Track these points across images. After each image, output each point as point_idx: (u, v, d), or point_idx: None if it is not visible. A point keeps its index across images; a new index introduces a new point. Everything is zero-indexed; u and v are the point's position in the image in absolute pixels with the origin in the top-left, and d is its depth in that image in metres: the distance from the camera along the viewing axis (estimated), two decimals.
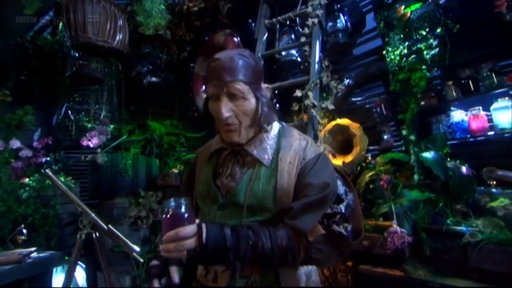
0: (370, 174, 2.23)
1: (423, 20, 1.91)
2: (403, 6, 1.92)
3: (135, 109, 3.41)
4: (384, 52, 2.14)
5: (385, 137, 2.70)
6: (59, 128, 3.14)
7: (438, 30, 1.92)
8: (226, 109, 0.85)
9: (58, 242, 2.62)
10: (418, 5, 1.86)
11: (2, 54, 2.70)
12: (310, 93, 1.54)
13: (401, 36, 1.99)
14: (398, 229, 1.95)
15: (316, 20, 1.76)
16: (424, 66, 2.19)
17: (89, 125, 3.26)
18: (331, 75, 1.68)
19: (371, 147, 2.92)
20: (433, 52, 2.27)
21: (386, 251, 1.99)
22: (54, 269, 2.54)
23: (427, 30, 1.93)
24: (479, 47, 2.08)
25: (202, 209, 0.96)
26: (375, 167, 2.26)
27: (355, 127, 2.53)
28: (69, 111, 3.24)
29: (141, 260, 2.34)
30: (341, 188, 0.93)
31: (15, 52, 2.79)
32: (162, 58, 2.78)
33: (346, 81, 2.79)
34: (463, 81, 2.17)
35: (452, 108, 2.38)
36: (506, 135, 2.04)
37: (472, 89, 2.16)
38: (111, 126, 3.32)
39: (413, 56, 2.24)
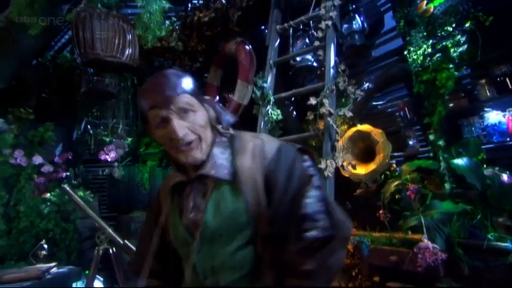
0: (396, 183, 2.06)
1: (449, 15, 1.74)
2: (425, 1, 1.77)
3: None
4: (406, 52, 1.99)
5: (411, 142, 2.51)
6: (78, 142, 3.21)
7: (467, 25, 1.74)
8: (180, 127, 0.76)
9: (78, 257, 2.64)
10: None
11: (25, 75, 2.80)
12: (325, 101, 1.43)
13: (424, 34, 1.83)
14: (430, 244, 1.77)
15: (329, 22, 1.65)
16: (451, 65, 2.01)
17: (108, 139, 3.30)
18: (348, 79, 1.56)
19: (395, 154, 2.73)
20: (461, 49, 2.09)
21: (417, 268, 1.81)
22: (75, 284, 2.55)
23: (453, 25, 1.76)
24: None
25: (183, 254, 0.86)
26: (400, 175, 2.08)
27: (377, 133, 2.37)
28: (89, 126, 3.31)
29: None
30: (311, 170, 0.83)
31: (37, 72, 2.89)
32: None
33: (366, 85, 2.64)
34: (498, 79, 1.98)
35: (486, 109, 2.17)
36: None
37: (510, 86, 1.95)
38: (129, 139, 3.35)
39: (438, 55, 2.07)
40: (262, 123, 1.70)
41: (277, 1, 2.04)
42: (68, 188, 2.35)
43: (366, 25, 2.18)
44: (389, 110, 2.71)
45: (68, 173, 2.86)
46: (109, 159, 3.05)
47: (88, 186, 2.96)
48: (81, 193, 2.73)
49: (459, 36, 2.09)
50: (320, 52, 1.67)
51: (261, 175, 0.79)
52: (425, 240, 1.80)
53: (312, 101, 1.47)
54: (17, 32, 1.40)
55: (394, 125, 2.66)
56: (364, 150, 2.53)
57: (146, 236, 0.94)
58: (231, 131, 0.90)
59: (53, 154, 3.11)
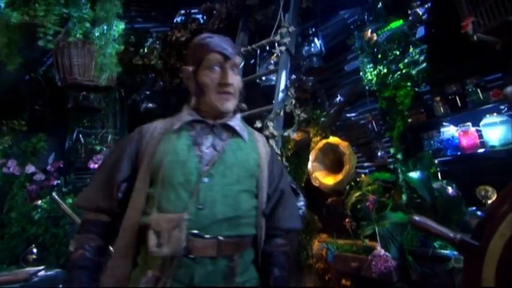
0: (357, 194, 2.20)
1: (392, 42, 1.89)
2: (369, 30, 1.92)
3: None
4: (361, 73, 2.14)
5: (379, 153, 2.65)
6: (70, 151, 3.39)
7: (410, 51, 1.89)
8: (231, 76, 0.91)
9: (67, 260, 2.81)
10: (389, 27, 1.85)
11: (19, 89, 2.98)
12: (270, 123, 1.57)
13: (373, 57, 1.98)
14: (382, 252, 1.91)
15: (283, 48, 1.80)
16: (409, 83, 2.16)
17: (98, 148, 3.48)
18: (295, 102, 1.70)
19: (366, 164, 2.88)
20: (420, 67, 2.23)
21: (373, 274, 1.95)
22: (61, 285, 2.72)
23: (400, 50, 1.91)
24: (464, 62, 2.03)
25: (180, 180, 0.86)
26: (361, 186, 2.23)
27: (344, 146, 2.51)
28: (80, 135, 3.49)
29: None
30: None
31: (30, 86, 3.08)
32: (156, 85, 2.97)
33: (338, 98, 2.79)
34: (450, 97, 2.11)
35: (444, 124, 2.31)
36: (497, 152, 1.95)
37: (460, 104, 2.09)
38: None
39: (399, 73, 2.22)
40: None
41: (244, 25, 2.20)
42: (56, 196, 2.53)
43: (323, 49, 2.33)
44: (362, 122, 2.85)
45: (59, 181, 3.04)
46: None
47: (78, 193, 3.14)
48: (70, 200, 2.90)
49: (417, 56, 2.24)
50: (274, 76, 1.82)
51: (266, 158, 0.99)
52: (379, 248, 1.94)
53: (258, 124, 1.61)
54: None
55: (365, 136, 2.81)
56: (334, 161, 2.67)
57: (112, 166, 0.94)
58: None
59: (46, 163, 3.30)
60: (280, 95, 1.67)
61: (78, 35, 1.47)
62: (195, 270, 0.81)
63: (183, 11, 2.73)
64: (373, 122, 2.58)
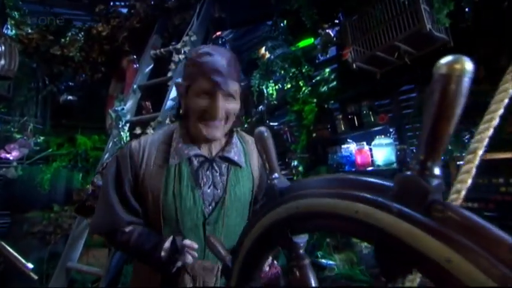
0: None
1: (283, 60, 2.00)
2: (264, 48, 2.01)
3: (66, 122, 3.44)
4: (263, 87, 2.23)
5: (293, 163, 2.76)
6: None
7: (293, 70, 2.01)
8: (222, 108, 0.83)
9: None
10: (294, 47, 1.95)
11: None
12: (150, 131, 1.58)
13: (267, 74, 2.07)
14: (270, 260, 2.00)
15: (182, 57, 1.83)
16: (315, 100, 2.28)
17: (18, 136, 3.27)
18: None
19: (283, 172, 3.00)
20: (331, 85, 2.37)
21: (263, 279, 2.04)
22: None
23: (286, 68, 2.02)
24: (361, 85, 2.18)
25: (189, 225, 0.88)
26: None
27: None
28: None
29: (35, 277, 2.33)
30: None
31: None
32: (77, 78, 2.85)
33: (260, 107, 2.87)
34: (349, 116, 2.26)
35: (349, 140, 2.47)
36: (382, 171, 2.12)
37: (357, 124, 2.25)
38: (41, 138, 3.35)
39: (307, 89, 2.33)
40: (111, 143, 1.83)
41: (161, 27, 2.18)
42: None
43: None
44: (281, 131, 2.95)
45: None
46: (11, 158, 3.04)
47: None
48: None
49: (327, 74, 2.37)
50: (169, 83, 1.83)
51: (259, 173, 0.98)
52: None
53: (138, 130, 1.63)
54: None
55: (283, 145, 2.92)
56: None
57: (120, 185, 0.89)
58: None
59: None
60: (169, 102, 1.68)
61: None
62: None
63: (112, 2, 2.65)
64: (288, 133, 2.69)
